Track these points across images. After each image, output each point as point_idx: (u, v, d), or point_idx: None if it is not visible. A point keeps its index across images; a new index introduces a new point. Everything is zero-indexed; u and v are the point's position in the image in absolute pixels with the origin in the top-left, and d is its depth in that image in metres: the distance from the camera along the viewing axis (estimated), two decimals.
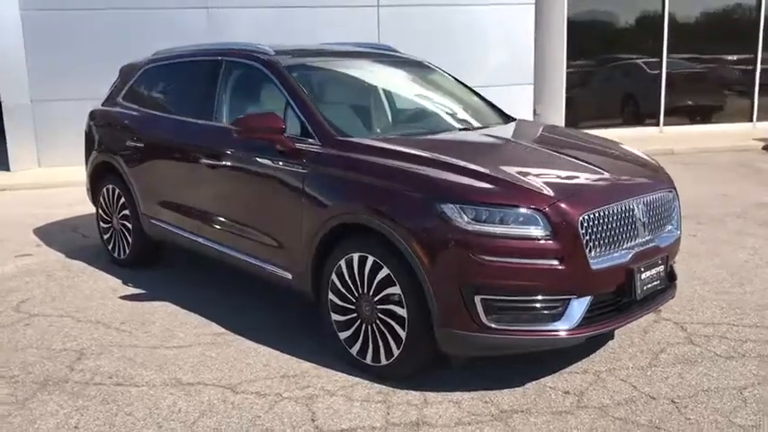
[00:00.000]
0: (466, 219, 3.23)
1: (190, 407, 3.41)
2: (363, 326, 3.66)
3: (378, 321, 3.58)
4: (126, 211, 5.44)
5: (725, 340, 4.10)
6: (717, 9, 13.18)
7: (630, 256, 3.46)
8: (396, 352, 3.52)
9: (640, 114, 13.18)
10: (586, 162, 3.78)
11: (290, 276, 4.09)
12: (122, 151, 5.35)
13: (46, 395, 3.54)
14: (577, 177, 3.61)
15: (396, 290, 3.45)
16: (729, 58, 13.26)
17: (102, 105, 5.93)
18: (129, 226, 5.43)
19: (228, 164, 4.39)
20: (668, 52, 12.64)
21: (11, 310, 4.77)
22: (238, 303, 4.80)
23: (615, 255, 3.40)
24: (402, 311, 3.45)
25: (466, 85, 5.15)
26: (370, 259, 3.55)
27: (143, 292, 5.07)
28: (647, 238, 3.60)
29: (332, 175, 3.77)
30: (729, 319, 4.41)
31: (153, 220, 5.16)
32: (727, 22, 13.24)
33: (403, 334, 3.46)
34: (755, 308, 4.60)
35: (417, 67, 5.18)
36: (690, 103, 13.21)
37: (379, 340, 3.59)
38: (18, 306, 4.85)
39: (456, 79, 5.18)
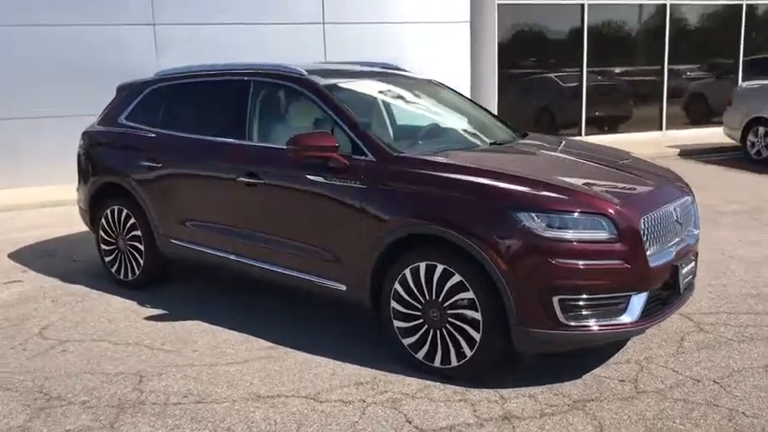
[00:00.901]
0: (542, 225, 3.53)
1: (284, 418, 3.51)
2: (431, 331, 3.87)
3: (448, 326, 3.80)
4: (136, 232, 5.38)
5: (729, 327, 4.59)
6: (629, 25, 14.22)
7: (674, 254, 3.87)
8: (468, 353, 3.76)
9: (564, 124, 14.00)
10: (626, 171, 4.18)
11: (343, 288, 4.24)
12: (134, 172, 5.30)
13: (129, 417, 3.54)
14: (626, 184, 3.99)
15: (468, 295, 3.70)
16: (641, 69, 14.33)
17: (99, 126, 5.83)
18: (141, 247, 5.38)
19: (272, 182, 4.48)
20: (588, 65, 13.52)
21: (37, 338, 4.64)
22: (266, 317, 4.88)
23: (664, 253, 3.80)
24: (476, 315, 3.69)
25: (473, 101, 5.47)
26: (440, 267, 3.77)
27: (166, 312, 5.05)
28: (682, 237, 4.03)
29: (395, 189, 3.96)
30: (724, 308, 4.92)
31: (173, 240, 5.15)
32: (639, 36, 14.31)
33: (477, 336, 3.71)
34: (739, 297, 5.14)
35: (430, 85, 5.45)
36: (605, 113, 14.15)
37: (450, 343, 3.81)
38: (42, 333, 4.72)
39: (462, 95, 5.49)
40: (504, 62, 12.38)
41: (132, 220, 5.39)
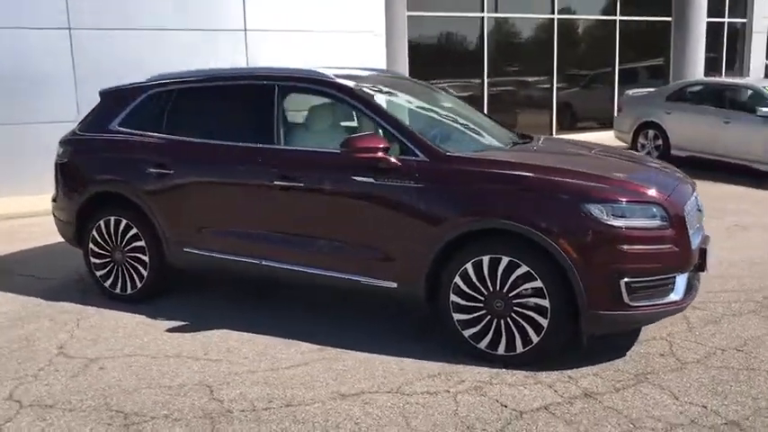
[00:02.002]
0: (608, 215, 3.85)
1: (384, 413, 3.58)
2: (494, 321, 4.08)
3: (513, 314, 4.03)
4: (138, 243, 5.16)
5: (720, 304, 5.13)
6: (523, 37, 15.17)
7: (700, 237, 4.34)
8: (535, 339, 4.00)
9: None
10: (648, 165, 4.60)
11: (394, 285, 4.35)
12: (138, 180, 5.07)
13: (227, 426, 3.47)
14: (660, 177, 4.41)
15: (536, 284, 3.94)
16: (534, 79, 15.31)
17: (84, 133, 5.51)
18: (144, 258, 5.16)
19: (313, 185, 4.50)
20: (488, 75, 14.26)
21: (61, 357, 4.36)
22: (293, 320, 4.86)
23: (697, 237, 4.25)
24: (544, 302, 3.95)
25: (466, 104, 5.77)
26: (505, 259, 4.00)
27: (185, 323, 4.88)
28: (701, 223, 4.51)
29: (456, 187, 4.13)
30: (709, 288, 5.41)
31: (187, 249, 4.99)
32: (531, 47, 15.28)
33: (544, 322, 3.96)
34: (719, 278, 5.65)
35: (437, 91, 5.67)
36: (505, 120, 14.97)
37: (515, 331, 4.04)
38: (62, 353, 4.44)
39: (457, 98, 5.76)
40: (415, 72, 12.80)
41: (133, 231, 5.16)
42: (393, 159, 4.26)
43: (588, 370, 4.05)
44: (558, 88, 15.33)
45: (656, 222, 3.93)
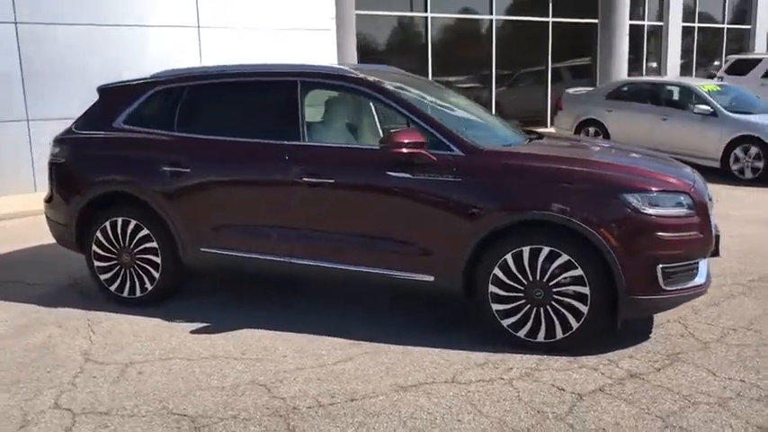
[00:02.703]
0: (645, 205, 4.06)
1: (452, 401, 3.65)
2: (534, 309, 4.23)
3: (553, 302, 4.18)
4: (150, 244, 5.00)
5: (712, 287, 5.45)
6: (465, 36, 15.49)
7: (714, 224, 4.62)
8: (575, 326, 4.17)
9: None
10: (664, 159, 4.86)
11: (431, 279, 4.42)
12: (150, 179, 4.92)
13: (311, 421, 3.45)
14: (678, 169, 4.66)
15: (576, 272, 4.11)
16: (474, 76, 15.67)
17: (82, 131, 5.29)
18: (156, 259, 5.01)
19: (346, 181, 4.51)
20: (432, 74, 14.50)
21: (91, 363, 4.19)
22: (317, 316, 4.85)
23: (714, 224, 4.53)
24: (584, 290, 4.12)
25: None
26: (546, 249, 4.14)
27: (207, 324, 4.78)
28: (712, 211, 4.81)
29: (495, 181, 4.24)
30: None
31: (205, 249, 4.89)
32: (472, 47, 15.62)
33: (584, 309, 4.13)
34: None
35: (443, 88, 5.75)
36: None
37: (555, 319, 4.20)
38: (90, 358, 4.27)
39: (460, 94, 5.88)
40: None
41: (144, 232, 5.00)
42: (431, 154, 4.32)
43: (622, 353, 4.25)
44: (496, 86, 15.74)
45: (685, 210, 4.17)
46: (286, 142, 4.67)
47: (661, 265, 4.07)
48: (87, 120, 5.34)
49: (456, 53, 15.26)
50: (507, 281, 4.24)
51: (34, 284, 5.75)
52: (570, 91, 13.85)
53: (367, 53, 13.22)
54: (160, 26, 10.31)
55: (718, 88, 11.91)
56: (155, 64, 9.71)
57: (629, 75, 16.93)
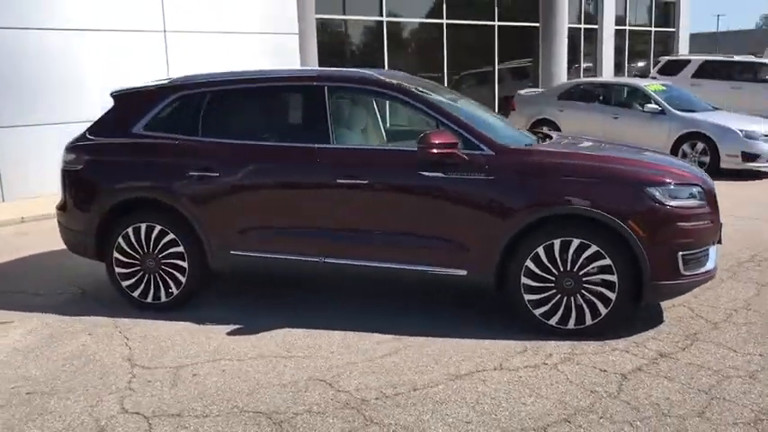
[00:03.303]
0: (667, 197, 4.39)
1: (508, 386, 3.86)
2: (564, 298, 4.50)
3: (583, 291, 4.47)
4: (176, 249, 5.03)
5: None
6: (420, 39, 15.79)
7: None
8: (603, 312, 4.46)
9: None
10: (668, 155, 5.22)
11: (464, 273, 4.63)
12: (177, 184, 4.95)
13: (382, 410, 3.60)
14: (680, 163, 5.02)
15: (605, 261, 4.40)
16: (427, 77, 15.98)
17: (99, 138, 5.26)
18: (183, 264, 5.04)
19: (380, 181, 4.66)
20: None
21: (141, 368, 4.22)
22: (348, 313, 4.98)
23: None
24: (612, 278, 4.41)
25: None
26: (576, 241, 4.42)
27: (239, 325, 4.85)
28: None
29: (526, 178, 4.49)
30: None
31: (235, 251, 4.95)
32: (423, 52, 15.94)
33: (612, 296, 4.43)
34: None
35: (452, 92, 5.97)
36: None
37: (585, 306, 4.48)
38: (137, 363, 4.28)
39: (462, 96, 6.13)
40: None
41: (170, 236, 5.02)
42: (463, 154, 4.54)
43: (645, 335, 4.56)
44: (448, 86, 16.10)
45: (698, 201, 4.53)
46: (317, 145, 4.79)
47: (681, 253, 4.40)
48: (103, 126, 5.31)
49: (410, 55, 15.57)
50: (539, 272, 4.50)
51: (45, 295, 5.67)
52: (522, 92, 14.36)
53: (326, 56, 13.33)
54: (127, 31, 10.16)
55: (663, 88, 12.61)
56: (121, 69, 9.66)
57: (567, 75, 17.63)
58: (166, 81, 5.32)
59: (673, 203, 4.39)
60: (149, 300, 5.14)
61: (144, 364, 4.28)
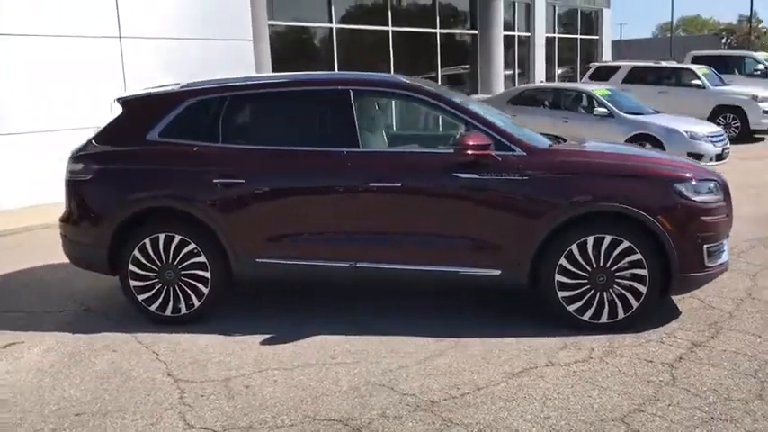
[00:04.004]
0: (693, 193, 4.59)
1: (568, 380, 3.94)
2: (597, 294, 4.63)
3: (616, 286, 4.61)
4: (198, 259, 4.86)
5: None
6: (366, 45, 15.84)
7: None
8: (635, 305, 4.62)
9: None
10: (667, 153, 5.45)
11: (497, 272, 4.69)
12: (200, 192, 4.79)
13: (450, 412, 3.61)
14: (692, 160, 5.25)
15: (636, 256, 4.55)
16: None
17: (106, 145, 5.04)
18: (206, 274, 4.89)
19: (415, 184, 4.67)
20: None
21: (199, 383, 4.06)
22: (372, 317, 4.97)
23: None
24: (642, 272, 4.57)
25: None
26: (608, 238, 4.56)
27: (271, 335, 4.74)
28: None
29: (559, 177, 4.59)
30: None
31: (261, 259, 4.84)
32: (371, 58, 16.00)
33: (644, 289, 4.59)
34: None
35: (461, 93, 6.03)
36: None
37: (617, 300, 4.63)
38: (179, 378, 4.13)
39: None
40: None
41: (191, 246, 4.86)
42: (496, 155, 4.60)
43: (671, 327, 4.74)
44: None
45: (717, 196, 4.75)
46: (346, 149, 4.75)
47: (706, 245, 4.61)
48: (111, 133, 5.09)
49: (359, 62, 15.59)
50: (573, 269, 4.61)
51: (44, 312, 5.37)
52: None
53: (280, 62, 13.19)
54: (80, 36, 9.77)
55: (609, 92, 13.13)
56: (74, 76, 9.30)
57: (504, 81, 18.09)
58: (178, 86, 5.14)
59: (697, 198, 4.60)
60: (168, 313, 4.96)
61: (187, 378, 4.13)
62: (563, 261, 4.60)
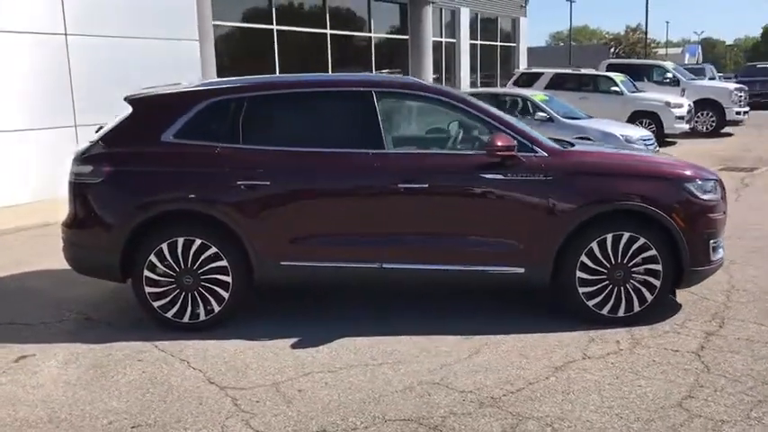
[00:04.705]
0: (700, 192, 4.87)
1: (615, 371, 4.10)
2: (615, 289, 4.84)
3: (632, 281, 4.83)
4: (218, 263, 4.73)
5: None
6: (305, 49, 15.71)
7: None
8: (649, 299, 4.86)
9: None
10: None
11: (522, 270, 4.82)
12: (221, 194, 4.67)
13: (520, 407, 3.69)
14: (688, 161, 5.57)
15: (651, 252, 4.79)
16: None
17: (115, 147, 4.82)
18: (227, 279, 4.76)
19: (442, 185, 4.73)
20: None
21: (233, 390, 3.95)
22: (395, 317, 5.00)
23: None
24: (657, 267, 4.82)
25: None
26: (626, 235, 4.78)
27: (299, 338, 4.67)
28: None
29: (582, 178, 4.76)
30: None
31: (286, 262, 4.77)
32: (311, 59, 15.87)
33: (657, 283, 4.84)
34: None
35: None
36: None
37: (633, 294, 4.85)
38: (226, 386, 4.01)
39: None
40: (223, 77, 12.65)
41: (212, 250, 4.72)
42: (522, 156, 4.74)
43: (677, 319, 4.98)
44: None
45: (717, 195, 5.06)
46: (372, 151, 4.76)
47: (711, 241, 4.91)
48: (122, 134, 4.87)
49: (298, 63, 15.50)
50: (593, 266, 4.80)
51: (44, 323, 5.08)
52: None
53: (224, 61, 12.93)
54: (22, 32, 9.25)
55: (546, 98, 13.63)
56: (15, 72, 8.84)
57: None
58: (192, 85, 4.99)
59: (704, 197, 4.88)
60: (186, 320, 4.80)
61: (233, 385, 4.02)
62: (584, 258, 4.78)
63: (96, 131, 5.18)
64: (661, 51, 54.81)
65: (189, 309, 4.79)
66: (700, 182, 4.93)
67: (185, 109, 4.84)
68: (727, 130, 19.51)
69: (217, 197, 4.70)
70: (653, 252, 4.78)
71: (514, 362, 4.28)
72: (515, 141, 4.72)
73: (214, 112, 4.86)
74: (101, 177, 4.76)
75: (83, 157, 4.84)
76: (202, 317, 4.80)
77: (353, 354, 4.43)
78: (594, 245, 4.76)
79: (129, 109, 5.06)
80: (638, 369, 4.15)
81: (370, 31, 17.50)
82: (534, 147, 4.83)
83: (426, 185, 4.73)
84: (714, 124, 19.47)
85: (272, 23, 14.36)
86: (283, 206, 4.75)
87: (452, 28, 21.72)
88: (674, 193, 4.82)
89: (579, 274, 4.80)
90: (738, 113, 19.57)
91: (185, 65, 11.21)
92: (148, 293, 4.77)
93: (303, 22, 15.49)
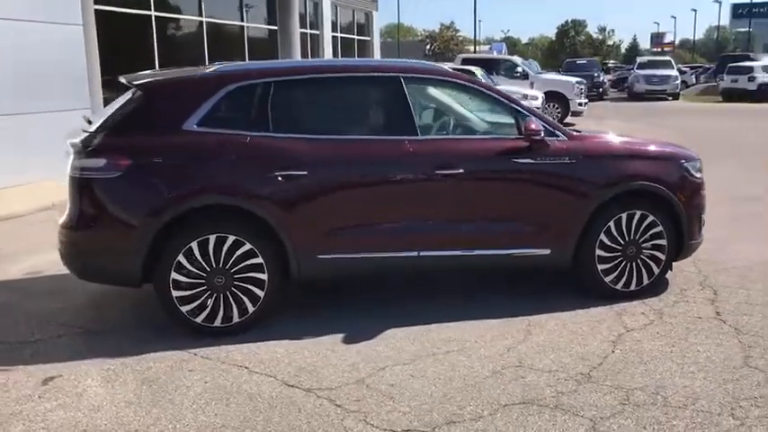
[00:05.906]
0: (695, 171, 5.30)
1: (662, 342, 4.34)
2: (627, 264, 5.14)
3: (642, 256, 5.17)
4: (254, 260, 4.41)
5: None
6: (183, 38, 14.85)
7: None
8: (656, 271, 5.21)
9: None
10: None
11: (548, 251, 4.98)
12: (257, 186, 4.36)
13: (622, 379, 3.84)
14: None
15: (658, 228, 5.13)
16: None
17: (127, 137, 4.34)
18: (262, 276, 4.46)
19: (476, 170, 4.75)
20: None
21: (323, 391, 3.75)
22: (423, 306, 4.95)
23: None
24: (662, 242, 5.17)
25: None
26: (638, 213, 5.09)
27: (343, 334, 4.50)
28: None
29: (598, 161, 4.99)
30: None
31: (323, 255, 4.56)
32: (186, 49, 15.08)
33: (663, 257, 5.19)
34: None
35: None
36: None
37: (643, 269, 5.19)
38: (307, 390, 3.80)
39: None
40: (105, 65, 11.65)
41: (246, 247, 4.40)
42: (548, 140, 4.89)
43: (674, 289, 5.32)
44: None
45: (701, 174, 5.53)
46: (407, 137, 4.68)
47: (701, 215, 5.36)
48: (135, 122, 4.37)
49: (176, 51, 14.72)
50: (610, 243, 5.06)
51: (42, 340, 4.48)
52: None
53: (106, 48, 11.92)
54: None
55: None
56: None
57: None
58: (209, 69, 4.60)
59: (697, 175, 5.32)
60: (218, 323, 4.44)
61: (317, 387, 3.79)
62: (603, 237, 5.02)
63: (87, 121, 4.63)
64: (471, 48, 58.06)
65: (221, 311, 4.43)
66: (693, 162, 5.35)
67: (206, 95, 4.46)
68: (569, 120, 21.06)
69: (254, 189, 4.39)
70: (659, 228, 5.12)
71: (571, 339, 4.41)
72: (542, 126, 4.85)
73: (238, 99, 4.52)
74: (119, 171, 4.25)
75: (89, 150, 4.30)
76: (235, 319, 4.46)
77: (412, 344, 4.34)
78: (612, 223, 5.02)
79: (128, 94, 4.59)
80: (681, 338, 4.43)
81: (243, 21, 16.95)
82: (556, 131, 4.99)
83: (462, 171, 4.73)
84: (560, 115, 20.90)
85: (150, 9, 13.46)
86: (321, 197, 4.53)
87: (316, 19, 21.58)
88: (678, 173, 5.20)
89: (598, 252, 5.03)
90: (580, 104, 21.14)
91: (70, 50, 10.28)
92: (176, 298, 4.36)
93: (186, 10, 14.79)
